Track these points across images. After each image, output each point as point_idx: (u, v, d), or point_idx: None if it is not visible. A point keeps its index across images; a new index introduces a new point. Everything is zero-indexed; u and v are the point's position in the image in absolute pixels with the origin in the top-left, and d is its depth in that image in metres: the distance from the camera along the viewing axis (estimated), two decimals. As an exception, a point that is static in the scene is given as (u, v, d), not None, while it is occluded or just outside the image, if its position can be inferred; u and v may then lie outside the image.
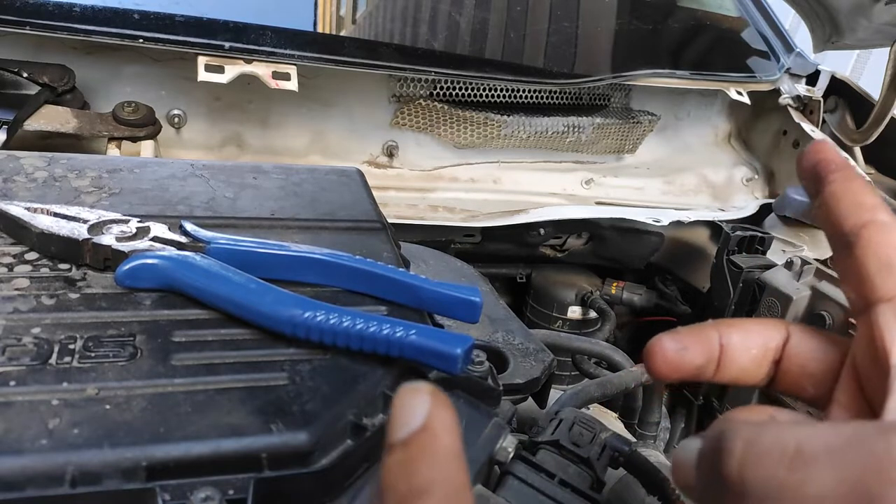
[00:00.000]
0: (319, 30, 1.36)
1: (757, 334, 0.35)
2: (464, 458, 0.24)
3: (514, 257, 1.41)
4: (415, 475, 0.24)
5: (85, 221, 0.48)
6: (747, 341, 0.35)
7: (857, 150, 1.51)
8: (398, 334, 0.40)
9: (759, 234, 1.13)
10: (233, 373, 0.40)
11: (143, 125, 1.03)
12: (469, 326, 0.53)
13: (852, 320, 0.36)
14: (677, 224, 1.28)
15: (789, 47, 1.60)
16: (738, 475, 0.26)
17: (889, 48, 1.32)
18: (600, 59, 1.48)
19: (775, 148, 1.59)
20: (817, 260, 1.01)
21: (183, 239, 0.48)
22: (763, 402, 0.85)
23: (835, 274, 0.97)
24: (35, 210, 0.48)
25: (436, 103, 1.29)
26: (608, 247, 1.39)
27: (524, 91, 1.37)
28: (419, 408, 0.24)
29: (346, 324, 0.41)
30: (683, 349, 0.34)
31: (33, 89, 1.00)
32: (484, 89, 1.34)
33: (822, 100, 1.52)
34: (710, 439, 0.28)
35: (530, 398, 0.59)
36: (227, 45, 1.06)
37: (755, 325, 0.36)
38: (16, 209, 0.48)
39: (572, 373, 1.21)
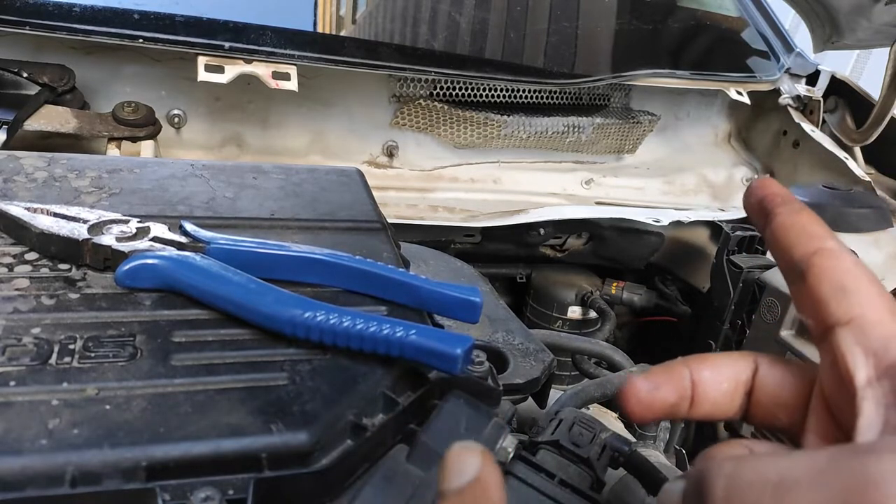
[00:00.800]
0: (319, 30, 1.36)
1: (727, 368, 0.36)
2: None
3: (514, 257, 1.41)
4: None
5: (85, 221, 0.48)
6: (718, 376, 0.35)
7: (857, 150, 1.51)
8: (398, 334, 0.40)
9: (759, 234, 1.13)
10: (233, 373, 0.39)
11: (143, 125, 1.03)
12: (469, 326, 0.53)
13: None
14: (677, 224, 1.28)
15: (789, 47, 1.60)
16: None
17: (889, 48, 1.32)
18: (600, 59, 1.48)
19: (775, 148, 1.59)
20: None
21: (183, 239, 0.48)
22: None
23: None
24: (35, 210, 0.48)
25: (436, 103, 1.29)
26: (608, 247, 1.39)
27: (524, 91, 1.37)
28: (472, 462, 0.28)
29: (346, 324, 0.41)
30: (655, 389, 0.35)
31: (33, 89, 1.00)
32: (484, 89, 1.34)
33: (822, 100, 1.52)
34: (692, 479, 0.29)
35: (530, 398, 0.59)
36: (227, 45, 1.06)
37: (724, 360, 0.36)
38: (16, 209, 0.48)
39: (572, 373, 1.21)
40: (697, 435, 1.24)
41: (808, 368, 0.34)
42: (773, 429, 0.35)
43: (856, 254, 0.33)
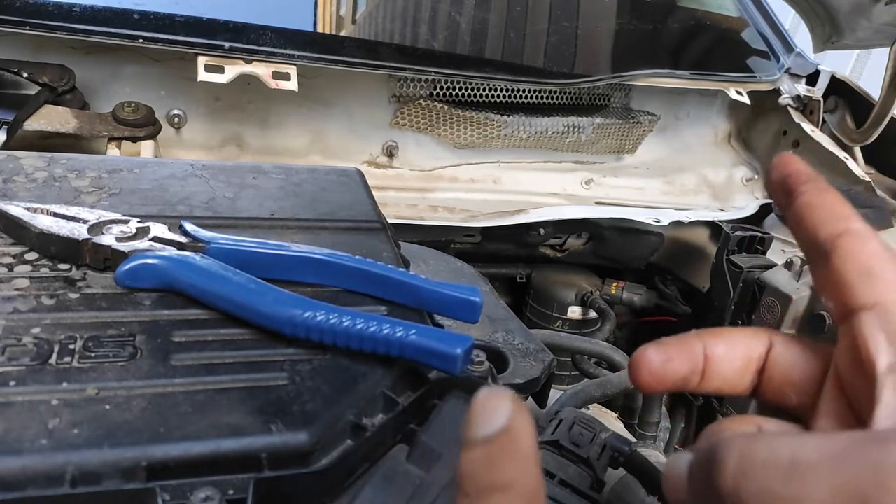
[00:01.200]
0: (319, 30, 1.36)
1: (740, 344, 0.35)
2: (539, 462, 0.26)
3: (514, 257, 1.41)
4: (496, 470, 0.25)
5: (85, 221, 0.48)
6: (731, 352, 0.35)
7: (857, 150, 1.51)
8: (398, 334, 0.40)
9: (759, 234, 1.13)
10: (233, 373, 0.39)
11: (143, 125, 1.03)
12: (469, 326, 0.53)
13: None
14: (677, 224, 1.28)
15: (789, 47, 1.60)
16: (733, 488, 0.26)
17: (889, 48, 1.32)
18: (600, 59, 1.48)
19: (775, 148, 1.59)
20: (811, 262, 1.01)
21: (183, 239, 0.48)
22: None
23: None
24: (35, 210, 0.48)
25: (436, 103, 1.29)
26: (608, 247, 1.39)
27: (524, 91, 1.37)
28: (502, 409, 0.26)
29: (346, 324, 0.41)
30: (668, 360, 0.34)
31: (33, 89, 1.00)
32: (484, 89, 1.34)
33: (822, 100, 1.52)
34: (702, 452, 0.28)
35: (530, 398, 0.59)
36: (226, 45, 1.06)
37: (739, 335, 0.36)
38: (16, 209, 0.48)
39: (572, 373, 1.21)
40: (698, 435, 1.24)
41: (824, 350, 0.34)
42: (782, 408, 0.35)
43: (884, 241, 0.32)
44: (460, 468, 0.25)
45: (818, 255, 0.32)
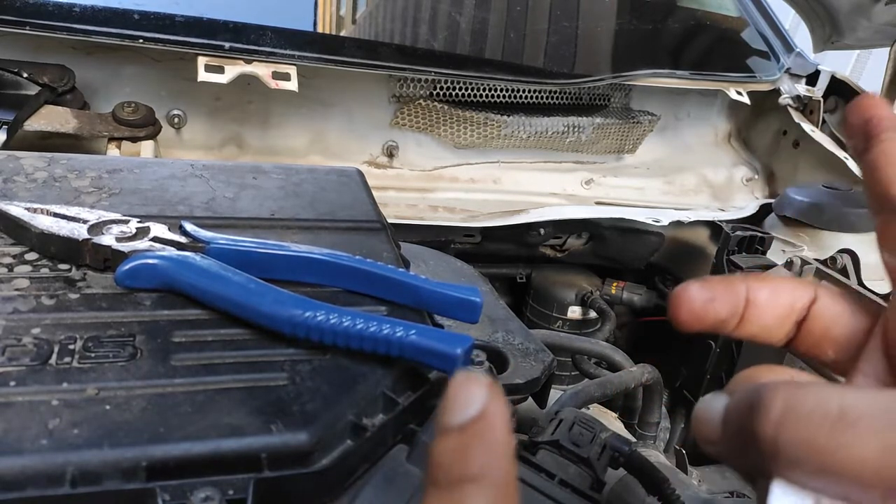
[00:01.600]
0: (319, 30, 1.36)
1: (785, 293, 0.34)
2: (514, 450, 0.25)
3: (514, 257, 1.41)
4: (469, 461, 0.24)
5: (85, 222, 0.48)
6: (774, 299, 0.34)
7: (857, 150, 1.51)
8: (398, 334, 0.40)
9: (759, 234, 1.13)
10: (233, 373, 0.39)
11: (143, 125, 1.03)
12: (469, 326, 0.53)
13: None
14: (677, 224, 1.28)
15: (789, 47, 1.60)
16: (773, 435, 0.24)
17: (889, 48, 1.32)
18: (600, 59, 1.48)
19: (775, 148, 1.59)
20: (817, 260, 1.01)
21: (183, 239, 0.48)
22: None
23: (835, 274, 0.97)
24: (35, 210, 0.48)
25: (436, 103, 1.29)
26: (608, 247, 1.39)
27: (524, 91, 1.37)
28: (477, 396, 0.25)
29: (345, 324, 0.41)
30: (711, 300, 0.33)
31: (33, 89, 1.00)
32: (484, 89, 1.34)
33: (822, 100, 1.52)
34: (743, 395, 0.26)
35: (530, 398, 0.59)
36: (227, 45, 1.06)
37: (785, 284, 0.35)
38: (16, 209, 0.48)
39: (572, 373, 1.21)
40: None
41: (872, 308, 0.32)
42: (818, 361, 0.34)
43: None
44: (431, 457, 0.24)
45: (887, 210, 0.31)
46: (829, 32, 1.46)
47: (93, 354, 0.39)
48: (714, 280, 0.34)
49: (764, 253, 1.13)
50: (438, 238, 1.21)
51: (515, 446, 0.25)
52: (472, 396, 0.25)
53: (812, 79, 1.58)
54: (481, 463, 0.24)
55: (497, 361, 0.57)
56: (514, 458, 0.25)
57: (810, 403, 0.24)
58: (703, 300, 0.33)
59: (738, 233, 1.12)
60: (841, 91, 1.55)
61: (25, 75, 0.99)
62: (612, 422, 1.03)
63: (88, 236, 0.46)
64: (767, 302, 0.34)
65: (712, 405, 0.28)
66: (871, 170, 0.31)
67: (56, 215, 0.48)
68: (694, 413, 0.30)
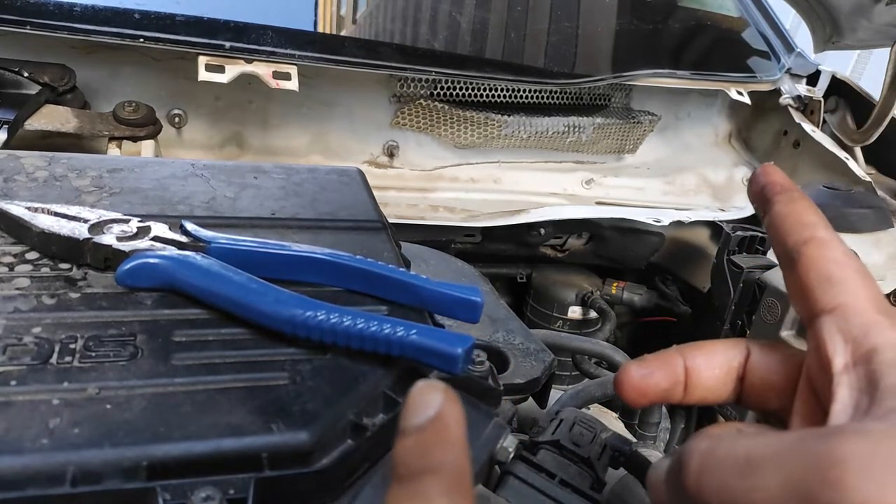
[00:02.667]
0: (320, 30, 1.36)
1: (719, 355, 0.37)
2: (468, 448, 0.28)
3: (514, 257, 1.41)
4: (428, 456, 0.27)
5: (85, 221, 0.48)
6: (710, 362, 0.37)
7: (858, 151, 1.51)
8: (399, 334, 0.40)
9: (760, 234, 1.13)
10: (233, 372, 0.39)
11: (144, 125, 1.03)
12: (469, 326, 0.53)
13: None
14: (677, 224, 1.28)
15: (790, 47, 1.60)
16: (696, 485, 0.28)
17: (889, 48, 1.32)
18: (600, 59, 1.48)
19: (776, 148, 1.59)
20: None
21: (183, 239, 0.48)
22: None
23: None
24: (36, 209, 0.48)
25: (436, 103, 1.29)
26: (608, 247, 1.39)
27: (524, 91, 1.37)
28: (434, 399, 0.28)
29: (346, 323, 0.41)
30: (648, 375, 0.36)
31: (34, 89, 1.00)
32: (484, 89, 1.34)
33: (822, 100, 1.52)
34: (675, 455, 0.30)
35: (531, 398, 0.59)
36: (227, 44, 1.06)
37: (717, 346, 0.37)
38: (16, 209, 0.48)
39: (572, 373, 1.21)
40: (698, 435, 1.24)
41: (798, 354, 0.35)
42: (765, 412, 0.37)
43: (849, 248, 0.34)
44: (394, 455, 0.27)
45: (787, 262, 0.34)
46: (830, 33, 1.46)
47: (93, 354, 0.39)
48: (650, 357, 0.37)
49: (764, 253, 1.13)
50: (439, 238, 1.21)
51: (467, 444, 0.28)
52: (430, 401, 0.28)
53: (813, 79, 1.58)
54: (438, 457, 0.27)
55: (498, 361, 0.57)
56: (468, 452, 0.28)
57: (722, 453, 0.28)
58: (641, 376, 0.36)
59: (739, 233, 1.12)
60: (841, 91, 1.55)
61: (26, 75, 0.99)
62: (613, 422, 1.03)
63: (89, 235, 0.46)
64: (704, 366, 0.37)
65: (658, 468, 0.32)
66: (770, 230, 0.35)
67: (57, 214, 0.48)
68: (647, 480, 0.34)
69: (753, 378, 0.36)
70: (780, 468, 0.25)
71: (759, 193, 0.37)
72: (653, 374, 0.36)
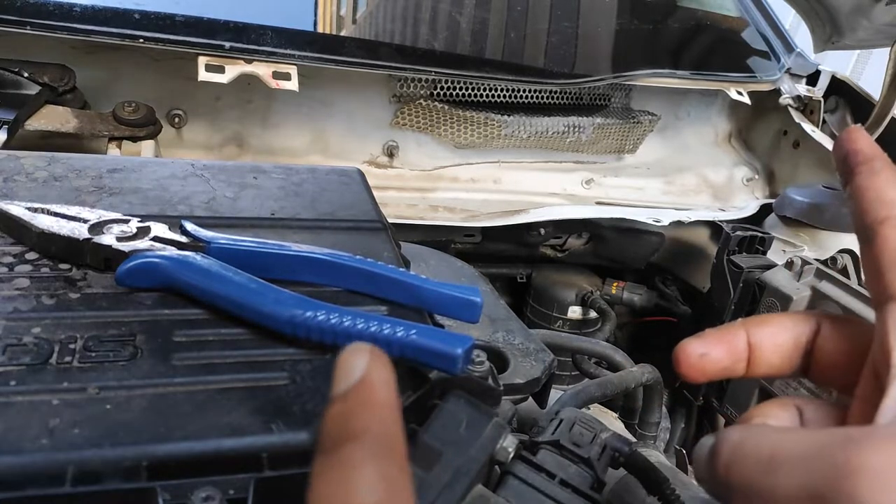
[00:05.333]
0: (320, 30, 1.36)
1: (786, 330, 0.36)
2: (398, 409, 0.26)
3: (514, 257, 1.41)
4: (350, 422, 0.25)
5: (85, 221, 0.48)
6: (777, 337, 0.35)
7: (858, 150, 1.51)
8: (398, 334, 0.40)
9: (760, 234, 1.13)
10: (233, 372, 0.39)
11: (144, 125, 1.03)
12: (469, 326, 0.53)
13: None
14: (677, 224, 1.28)
15: (789, 47, 1.60)
16: (725, 475, 0.28)
17: (889, 48, 1.32)
18: (600, 59, 1.48)
19: (776, 148, 1.59)
20: (817, 260, 1.01)
21: (183, 239, 0.48)
22: (762, 401, 0.85)
23: (835, 274, 0.97)
24: (35, 210, 0.48)
25: (436, 103, 1.29)
26: (608, 247, 1.39)
27: (524, 91, 1.37)
28: (359, 364, 0.26)
29: (346, 323, 0.41)
30: (704, 355, 0.35)
31: (34, 89, 1.00)
32: (484, 89, 1.34)
33: (822, 100, 1.52)
34: (710, 441, 0.30)
35: (531, 398, 0.59)
36: (227, 44, 1.06)
37: (784, 321, 0.36)
38: (16, 209, 0.48)
39: (572, 373, 1.21)
40: (698, 435, 1.24)
41: (872, 331, 0.33)
42: (832, 388, 0.36)
43: None
44: (320, 429, 0.26)
45: (863, 240, 0.32)
46: (830, 32, 1.46)
47: (93, 354, 0.39)
48: (710, 332, 0.36)
49: (764, 253, 1.13)
50: (439, 238, 1.21)
51: (402, 405, 0.27)
52: (354, 365, 0.26)
53: (812, 79, 1.58)
54: (362, 422, 0.25)
55: (497, 361, 0.57)
56: (397, 413, 0.26)
57: (749, 447, 0.28)
58: (697, 356, 0.35)
59: (739, 233, 1.12)
60: (841, 91, 1.55)
61: (26, 75, 0.99)
62: (613, 422, 1.03)
63: (89, 236, 0.46)
64: (769, 341, 0.36)
65: (702, 447, 0.32)
66: (851, 203, 0.33)
67: (56, 215, 0.48)
68: (693, 455, 0.33)
69: (820, 355, 0.35)
70: (799, 471, 0.25)
71: (842, 162, 0.34)
72: (710, 354, 0.35)
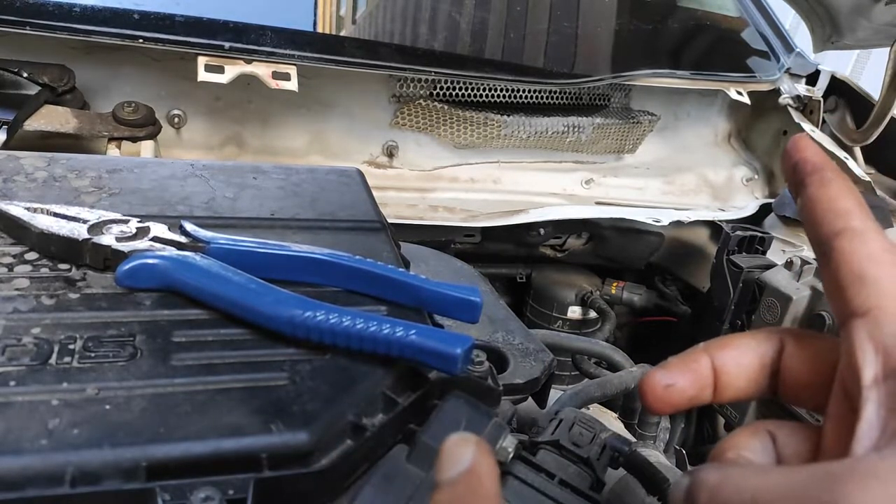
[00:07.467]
0: (319, 30, 1.36)
1: (750, 350, 0.34)
2: (501, 500, 0.28)
3: (514, 257, 1.41)
4: None
5: (85, 221, 0.48)
6: (741, 360, 0.34)
7: (857, 150, 1.51)
8: (398, 334, 0.40)
9: (759, 234, 1.13)
10: (233, 373, 0.39)
11: (143, 125, 1.03)
12: (469, 326, 0.53)
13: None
14: (677, 224, 1.28)
15: (789, 47, 1.60)
16: None
17: (889, 48, 1.32)
18: (600, 59, 1.48)
19: (775, 148, 1.59)
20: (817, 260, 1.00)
21: (183, 239, 0.48)
22: (762, 408, 0.85)
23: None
24: (35, 210, 0.48)
25: (436, 103, 1.29)
26: (608, 247, 1.39)
27: (524, 91, 1.37)
28: (467, 453, 0.28)
29: (345, 324, 0.41)
30: (671, 385, 0.34)
31: (33, 89, 1.00)
32: (484, 89, 1.34)
33: (822, 100, 1.52)
34: (689, 478, 0.30)
35: (530, 398, 0.59)
36: (227, 45, 1.06)
37: (748, 341, 0.35)
38: (16, 209, 0.48)
39: (572, 373, 1.21)
40: (698, 435, 1.24)
41: (837, 347, 0.32)
42: (802, 407, 0.35)
43: (890, 240, 0.30)
44: None
45: (820, 255, 0.31)
46: (829, 32, 1.46)
47: (93, 354, 0.39)
48: (673, 361, 0.35)
49: (764, 253, 1.13)
50: (438, 238, 1.21)
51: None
52: (462, 454, 0.28)
53: (812, 79, 1.58)
54: None
55: (497, 361, 0.57)
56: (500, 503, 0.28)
57: (728, 491, 0.27)
58: (663, 387, 0.34)
59: (738, 233, 1.12)
60: (841, 91, 1.55)
61: (25, 75, 0.99)
62: (612, 422, 1.03)
63: (88, 236, 0.46)
64: (733, 364, 0.34)
65: (678, 488, 0.31)
66: (802, 216, 0.32)
67: (56, 215, 0.48)
68: (668, 497, 0.33)
69: (789, 373, 0.33)
70: None
71: (791, 173, 0.32)
72: (676, 384, 0.34)
